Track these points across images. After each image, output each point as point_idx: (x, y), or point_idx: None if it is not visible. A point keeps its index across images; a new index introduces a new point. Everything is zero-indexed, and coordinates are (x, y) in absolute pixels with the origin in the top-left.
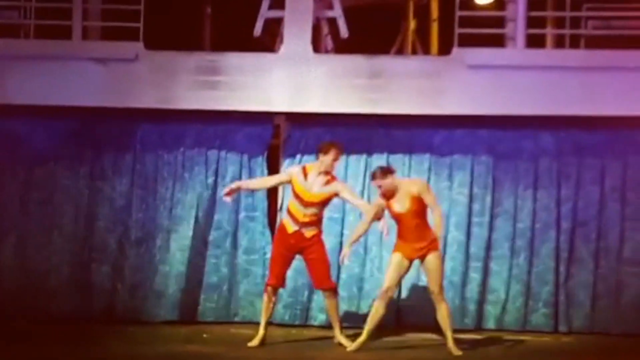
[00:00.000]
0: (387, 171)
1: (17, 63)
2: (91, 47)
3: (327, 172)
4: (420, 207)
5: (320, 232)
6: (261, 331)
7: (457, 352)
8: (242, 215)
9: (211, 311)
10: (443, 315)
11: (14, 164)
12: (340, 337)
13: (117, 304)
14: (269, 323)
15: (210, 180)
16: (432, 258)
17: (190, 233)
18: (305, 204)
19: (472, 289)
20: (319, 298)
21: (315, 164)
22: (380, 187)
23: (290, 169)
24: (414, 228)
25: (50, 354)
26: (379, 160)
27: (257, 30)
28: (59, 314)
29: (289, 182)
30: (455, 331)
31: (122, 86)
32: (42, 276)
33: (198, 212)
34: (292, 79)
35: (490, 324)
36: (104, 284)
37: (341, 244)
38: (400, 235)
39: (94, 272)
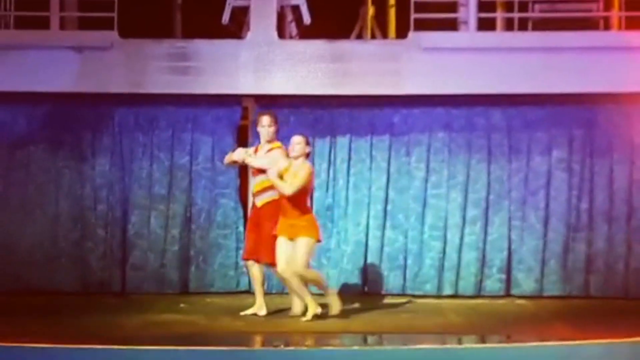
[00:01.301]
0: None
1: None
2: (68, 36)
3: (269, 141)
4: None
5: (274, 202)
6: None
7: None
8: (215, 192)
9: (187, 283)
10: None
11: None
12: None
13: (95, 277)
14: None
15: (184, 160)
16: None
17: (168, 210)
18: (254, 174)
19: (432, 257)
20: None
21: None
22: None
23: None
24: (289, 204)
25: (31, 326)
26: (342, 139)
27: (225, 18)
28: (40, 287)
29: None
30: (415, 297)
31: (98, 72)
32: (24, 252)
33: (174, 190)
34: (258, 64)
35: (447, 290)
36: (82, 257)
37: None
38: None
39: (74, 246)
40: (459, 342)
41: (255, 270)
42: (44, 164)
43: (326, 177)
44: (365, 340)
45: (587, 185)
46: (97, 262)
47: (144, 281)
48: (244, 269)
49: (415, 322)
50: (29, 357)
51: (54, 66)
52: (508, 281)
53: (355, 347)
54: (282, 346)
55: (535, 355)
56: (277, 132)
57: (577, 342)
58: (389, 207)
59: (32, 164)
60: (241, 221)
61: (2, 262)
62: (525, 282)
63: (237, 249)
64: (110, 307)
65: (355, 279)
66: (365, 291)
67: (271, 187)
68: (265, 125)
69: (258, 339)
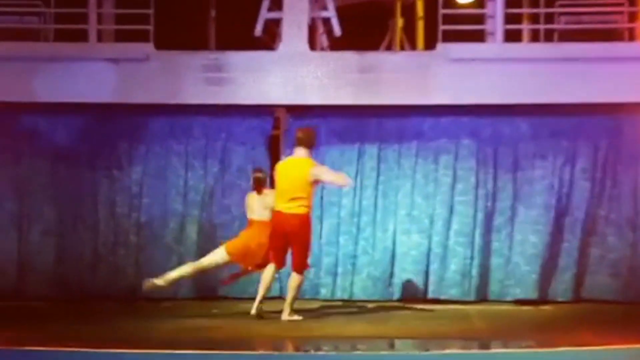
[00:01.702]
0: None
1: (39, 64)
2: (105, 48)
3: None
4: None
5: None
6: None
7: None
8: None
9: (222, 288)
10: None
11: (38, 157)
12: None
13: (136, 283)
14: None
15: (217, 168)
16: None
17: (202, 216)
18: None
19: (457, 262)
20: (323, 274)
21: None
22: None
23: None
24: None
25: (69, 331)
26: (371, 147)
27: (258, 30)
28: (81, 294)
29: None
30: (440, 302)
31: (134, 84)
32: (65, 260)
33: (207, 198)
34: (290, 75)
35: (472, 295)
36: (123, 264)
37: (338, 224)
38: None
39: (113, 253)
40: (484, 347)
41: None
42: (83, 173)
43: (355, 184)
44: (392, 346)
45: (610, 193)
46: (132, 269)
47: (180, 287)
48: (276, 275)
49: (441, 328)
50: None
51: (92, 78)
52: (532, 287)
53: (384, 352)
54: (311, 351)
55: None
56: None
57: (604, 347)
58: (415, 213)
59: (72, 172)
60: None
61: (49, 271)
62: (550, 288)
63: None
64: (145, 313)
65: (382, 284)
66: (394, 297)
67: None
68: None
69: (288, 343)
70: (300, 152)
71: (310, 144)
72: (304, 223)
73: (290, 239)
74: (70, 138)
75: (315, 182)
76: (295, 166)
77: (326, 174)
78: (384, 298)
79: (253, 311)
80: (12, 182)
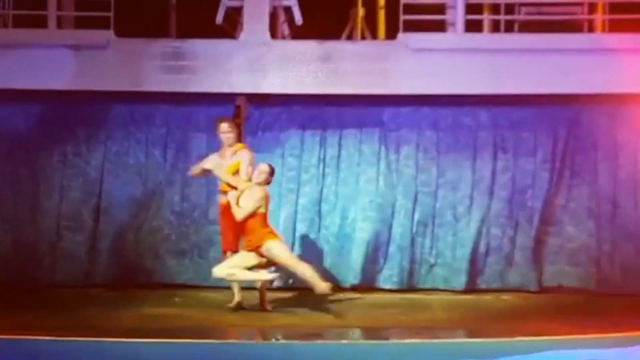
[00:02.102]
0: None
1: None
2: (66, 35)
3: (231, 145)
4: None
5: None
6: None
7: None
8: (209, 188)
9: (180, 276)
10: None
11: None
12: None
13: (92, 271)
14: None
15: (177, 156)
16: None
17: (162, 205)
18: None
19: (420, 252)
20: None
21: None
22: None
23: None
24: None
25: (31, 320)
26: (332, 135)
27: (219, 18)
28: (40, 281)
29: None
30: (404, 291)
31: (94, 71)
32: (25, 248)
33: (168, 186)
34: (251, 63)
35: (440, 284)
36: (80, 251)
37: (296, 212)
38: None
39: (69, 240)
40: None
41: None
42: (41, 160)
43: (315, 172)
44: (357, 335)
45: (569, 183)
46: (90, 256)
47: (138, 274)
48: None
49: (403, 317)
50: (27, 350)
51: (51, 64)
52: (493, 276)
53: (345, 341)
54: (277, 340)
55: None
56: (238, 135)
57: (564, 336)
58: (378, 201)
59: (30, 159)
60: None
61: (9, 260)
62: (507, 277)
63: None
64: (106, 300)
65: (344, 272)
66: (348, 285)
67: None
68: (225, 131)
69: (252, 332)
70: None
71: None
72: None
73: None
74: (29, 125)
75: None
76: None
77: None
78: (344, 286)
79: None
80: None
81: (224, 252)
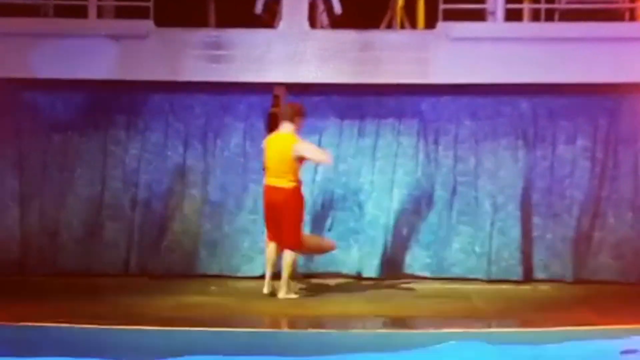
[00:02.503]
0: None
1: (38, 40)
2: (105, 25)
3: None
4: None
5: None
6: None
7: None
8: (245, 177)
9: (216, 266)
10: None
11: (37, 133)
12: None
13: (129, 260)
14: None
15: (217, 146)
16: None
17: (200, 194)
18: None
19: (461, 241)
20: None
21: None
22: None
23: None
24: None
25: (65, 307)
26: (371, 125)
27: (258, 8)
28: (77, 269)
29: None
30: (441, 280)
31: (134, 60)
32: (64, 236)
33: (205, 175)
34: (290, 52)
35: (480, 274)
36: (117, 240)
37: (332, 201)
38: None
39: (107, 229)
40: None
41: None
42: (81, 149)
43: (353, 161)
44: (389, 324)
45: (611, 174)
46: (129, 245)
47: (177, 264)
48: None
49: (442, 306)
50: (65, 337)
51: (91, 54)
52: (533, 266)
53: (382, 331)
54: (308, 329)
55: (555, 339)
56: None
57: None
58: (415, 192)
59: (69, 148)
60: None
61: (44, 246)
62: (548, 268)
63: (263, 232)
64: (144, 289)
65: (377, 261)
66: (392, 273)
67: None
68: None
69: (287, 321)
70: (285, 127)
71: (293, 118)
72: (289, 198)
73: (277, 214)
74: (70, 114)
75: (300, 158)
76: (279, 141)
77: (308, 151)
78: (381, 275)
79: (265, 290)
80: (12, 158)
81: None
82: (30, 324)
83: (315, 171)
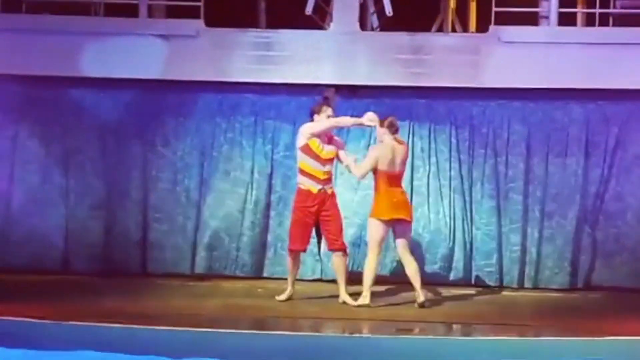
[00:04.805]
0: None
1: (89, 39)
2: (156, 24)
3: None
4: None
5: (333, 190)
6: (290, 288)
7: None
8: (294, 179)
9: (264, 268)
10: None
11: (85, 131)
12: (344, 296)
13: (177, 260)
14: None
15: (267, 147)
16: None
17: (248, 196)
18: (323, 162)
19: (510, 249)
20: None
21: None
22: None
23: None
24: None
25: (110, 306)
26: (422, 128)
27: (309, 9)
28: (127, 269)
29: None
30: (492, 288)
31: (184, 60)
32: (115, 236)
33: (254, 176)
34: (340, 54)
35: (525, 282)
36: (165, 241)
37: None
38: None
39: (155, 230)
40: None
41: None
42: (130, 148)
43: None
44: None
45: None
46: (176, 245)
47: (220, 264)
48: (317, 257)
49: (491, 314)
50: (112, 337)
51: (142, 53)
52: (577, 275)
53: (431, 336)
54: (355, 334)
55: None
56: None
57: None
58: (466, 198)
59: (119, 147)
60: None
61: (90, 245)
62: (598, 276)
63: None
64: (193, 290)
65: (431, 266)
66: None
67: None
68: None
69: (334, 325)
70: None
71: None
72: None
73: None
74: (118, 113)
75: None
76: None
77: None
78: (433, 282)
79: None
80: (60, 156)
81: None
82: (77, 322)
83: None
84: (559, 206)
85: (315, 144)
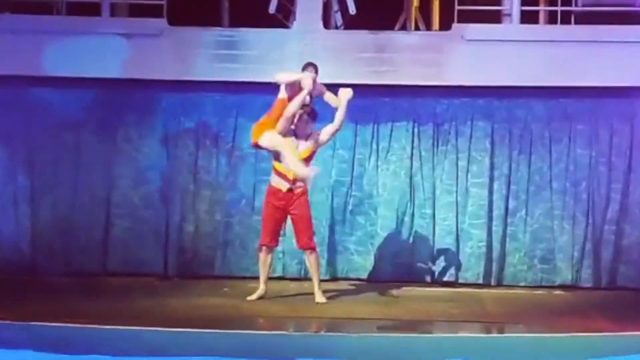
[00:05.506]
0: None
1: (51, 38)
2: (119, 23)
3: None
4: None
5: (306, 188)
6: (262, 286)
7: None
8: (256, 178)
9: (227, 267)
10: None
11: (48, 131)
12: (317, 293)
13: (140, 259)
14: (268, 278)
15: (228, 146)
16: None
17: (211, 194)
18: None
19: (471, 245)
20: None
21: None
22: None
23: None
24: None
25: (74, 306)
26: (385, 127)
27: (272, 7)
28: (89, 269)
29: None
30: (454, 285)
31: (147, 59)
32: (74, 235)
33: (216, 175)
34: (303, 53)
35: (488, 279)
36: (127, 239)
37: (346, 204)
38: None
39: (117, 228)
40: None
41: (269, 257)
42: (93, 147)
43: (368, 165)
44: (397, 328)
45: (627, 178)
46: (140, 244)
47: (189, 264)
48: (281, 255)
49: (453, 310)
50: (77, 337)
51: (105, 52)
52: (547, 272)
53: (390, 335)
54: (322, 331)
55: (572, 346)
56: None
57: (613, 334)
58: (429, 195)
59: (82, 146)
60: None
61: (55, 245)
62: (563, 273)
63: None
64: (157, 290)
65: (387, 265)
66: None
67: None
68: None
69: (301, 323)
70: None
71: None
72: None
73: None
74: (82, 112)
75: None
76: None
77: None
78: (395, 279)
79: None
80: (23, 156)
81: (266, 246)
82: (45, 323)
83: (330, 175)
84: (521, 203)
85: (289, 143)
